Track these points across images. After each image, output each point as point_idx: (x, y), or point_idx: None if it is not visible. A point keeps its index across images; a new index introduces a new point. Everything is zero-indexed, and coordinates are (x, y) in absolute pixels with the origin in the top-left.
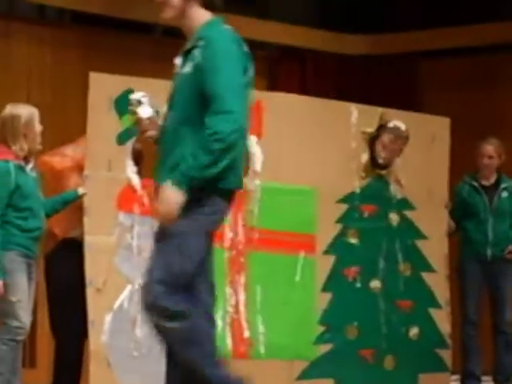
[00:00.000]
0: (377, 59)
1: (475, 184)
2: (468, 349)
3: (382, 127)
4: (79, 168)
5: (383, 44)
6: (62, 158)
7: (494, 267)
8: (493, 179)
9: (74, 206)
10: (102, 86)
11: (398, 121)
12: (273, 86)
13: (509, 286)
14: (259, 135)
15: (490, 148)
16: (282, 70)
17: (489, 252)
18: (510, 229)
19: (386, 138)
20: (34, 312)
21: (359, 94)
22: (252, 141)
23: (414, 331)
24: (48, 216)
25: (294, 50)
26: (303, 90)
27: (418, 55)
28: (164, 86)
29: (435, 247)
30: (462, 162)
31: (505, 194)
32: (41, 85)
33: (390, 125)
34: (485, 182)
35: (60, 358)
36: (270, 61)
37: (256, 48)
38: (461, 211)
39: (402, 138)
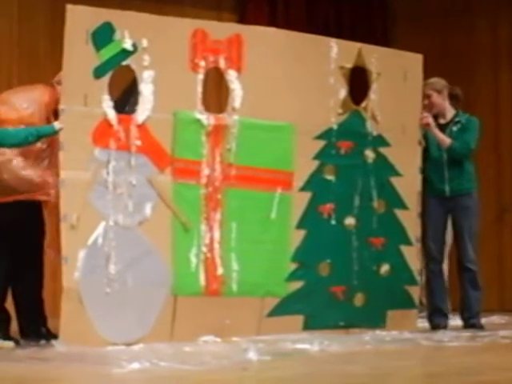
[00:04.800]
0: None
1: None
2: (433, 285)
3: None
4: (23, 124)
5: None
6: (10, 108)
7: (454, 203)
8: (449, 117)
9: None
10: (79, 19)
11: None
12: (242, 19)
13: (470, 221)
14: (239, 70)
15: (424, 88)
16: (251, 4)
17: (447, 188)
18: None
19: None
20: None
21: (330, 30)
22: (232, 76)
23: (385, 268)
24: (19, 145)
25: None
26: (272, 25)
27: None
28: (143, 19)
29: (409, 184)
30: None
31: (455, 128)
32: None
33: None
34: (441, 121)
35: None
36: None
37: None
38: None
39: None
